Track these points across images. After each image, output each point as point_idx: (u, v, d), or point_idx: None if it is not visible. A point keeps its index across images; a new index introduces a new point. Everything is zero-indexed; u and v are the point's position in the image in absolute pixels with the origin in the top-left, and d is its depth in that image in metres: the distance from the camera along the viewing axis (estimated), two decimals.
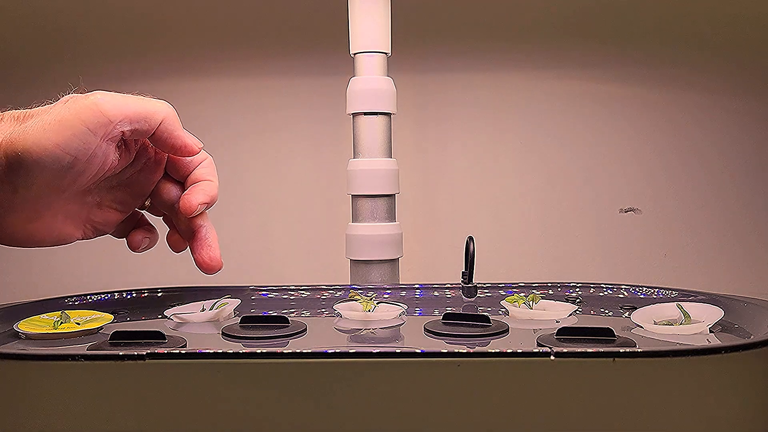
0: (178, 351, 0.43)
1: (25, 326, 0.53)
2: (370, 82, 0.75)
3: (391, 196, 0.76)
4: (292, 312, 0.63)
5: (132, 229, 0.58)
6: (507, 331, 0.52)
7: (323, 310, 0.64)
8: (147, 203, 0.58)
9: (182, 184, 0.56)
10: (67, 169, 0.47)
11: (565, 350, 0.39)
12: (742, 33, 0.91)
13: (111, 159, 0.50)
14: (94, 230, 0.55)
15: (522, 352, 0.39)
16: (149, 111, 0.50)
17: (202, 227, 0.54)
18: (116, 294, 0.67)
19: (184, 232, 0.56)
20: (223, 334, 0.52)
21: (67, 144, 0.46)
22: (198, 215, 0.54)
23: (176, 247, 0.57)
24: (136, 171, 0.55)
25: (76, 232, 0.54)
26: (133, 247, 0.57)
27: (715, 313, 0.53)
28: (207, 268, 0.54)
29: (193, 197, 0.53)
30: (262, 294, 0.68)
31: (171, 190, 0.56)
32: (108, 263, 0.94)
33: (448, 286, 0.69)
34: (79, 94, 0.49)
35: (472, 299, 0.66)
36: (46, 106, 0.49)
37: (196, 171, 0.55)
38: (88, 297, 0.65)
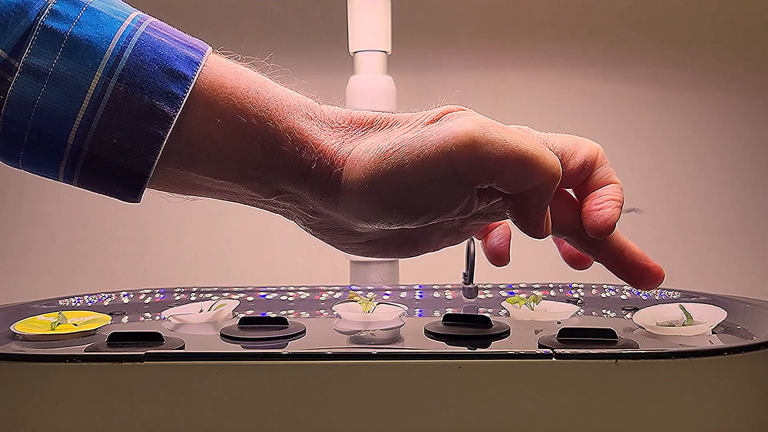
0: (176, 352, 0.43)
1: (22, 327, 0.53)
2: (370, 81, 0.75)
3: None
4: (291, 313, 0.62)
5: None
6: (508, 332, 0.51)
7: (322, 311, 0.63)
8: None
9: (565, 194, 0.43)
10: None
11: (566, 351, 0.39)
12: (742, 33, 0.91)
13: (474, 205, 0.38)
14: (445, 246, 0.46)
15: (523, 354, 0.39)
16: (536, 163, 0.35)
17: (624, 250, 0.42)
18: (114, 295, 0.66)
19: (596, 254, 0.43)
20: (221, 335, 0.52)
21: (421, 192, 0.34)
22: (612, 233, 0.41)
23: (581, 266, 0.46)
24: None
25: (427, 250, 0.45)
26: (500, 262, 0.46)
27: (718, 315, 0.52)
28: (654, 287, 0.43)
29: (607, 211, 0.40)
30: (261, 295, 0.68)
31: (562, 207, 0.42)
32: (107, 263, 0.93)
33: (449, 287, 0.68)
34: (457, 111, 0.36)
35: (473, 300, 0.66)
36: (394, 114, 0.38)
37: (594, 174, 0.42)
38: (86, 298, 0.65)
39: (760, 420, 0.42)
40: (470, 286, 0.66)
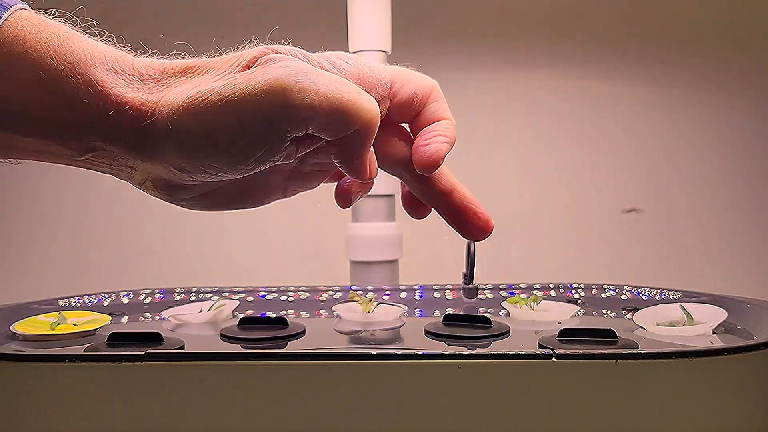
0: (176, 352, 0.43)
1: (22, 327, 0.53)
2: None
3: (391, 196, 0.76)
4: (291, 313, 0.62)
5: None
6: (508, 332, 0.51)
7: (322, 311, 0.63)
8: None
9: (401, 129, 0.42)
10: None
11: (567, 352, 0.39)
12: (742, 33, 0.91)
13: (295, 151, 0.37)
14: (295, 192, 0.45)
15: (524, 354, 0.39)
16: (351, 110, 0.34)
17: (453, 191, 0.41)
18: (114, 295, 0.66)
19: (426, 196, 0.42)
20: (221, 335, 0.52)
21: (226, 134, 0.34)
22: (440, 174, 0.40)
23: (418, 213, 0.44)
24: None
25: (272, 198, 0.44)
26: (343, 202, 0.45)
27: (719, 315, 0.52)
28: (480, 236, 0.42)
29: (433, 146, 0.39)
30: (261, 295, 0.68)
31: (392, 140, 0.41)
32: (107, 263, 0.93)
33: (449, 287, 0.68)
34: (271, 55, 0.35)
35: (473, 300, 0.66)
36: (209, 59, 0.37)
37: (426, 110, 0.41)
38: (86, 298, 0.65)
39: (760, 420, 0.42)
40: (470, 286, 0.66)
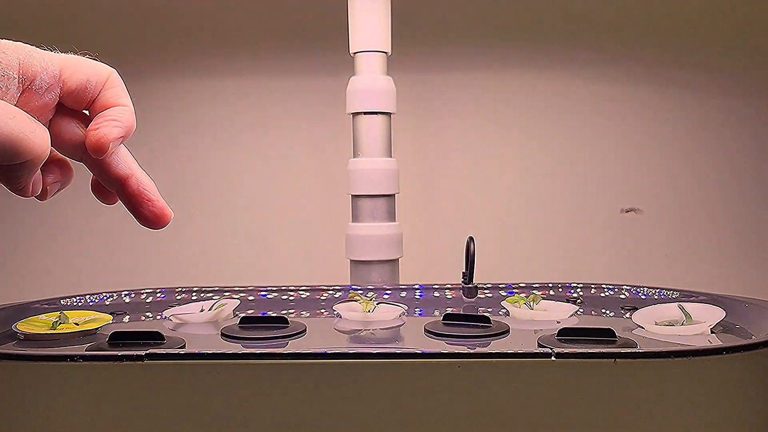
0: (177, 352, 0.43)
1: (24, 327, 0.53)
2: (370, 82, 0.75)
3: (391, 196, 0.76)
4: (292, 312, 0.62)
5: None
6: (508, 331, 0.52)
7: (323, 310, 0.64)
8: None
9: (84, 115, 0.42)
10: None
11: (566, 351, 0.39)
12: (742, 34, 0.91)
13: None
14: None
15: (523, 353, 0.39)
16: (21, 146, 0.36)
17: (129, 179, 0.42)
18: (115, 294, 0.66)
19: (106, 181, 0.43)
20: (222, 334, 0.52)
21: None
22: (116, 157, 0.42)
23: (105, 200, 0.45)
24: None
25: None
26: (40, 195, 0.44)
27: (717, 314, 0.52)
28: (154, 225, 0.42)
29: (103, 130, 0.40)
30: (262, 294, 0.68)
31: (71, 127, 0.42)
32: (108, 263, 0.93)
33: (449, 286, 0.68)
34: None
35: (473, 300, 0.66)
36: None
37: (102, 95, 0.42)
38: (87, 297, 0.65)
39: (758, 419, 0.42)
40: (470, 285, 0.66)
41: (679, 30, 0.91)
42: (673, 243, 0.93)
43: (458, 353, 0.40)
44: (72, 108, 0.41)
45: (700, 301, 0.58)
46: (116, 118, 0.40)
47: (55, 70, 0.40)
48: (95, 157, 0.40)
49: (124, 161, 0.42)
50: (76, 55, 0.42)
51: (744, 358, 0.41)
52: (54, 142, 0.41)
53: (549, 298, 0.64)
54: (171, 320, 0.58)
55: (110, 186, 0.42)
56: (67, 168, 0.43)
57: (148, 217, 0.42)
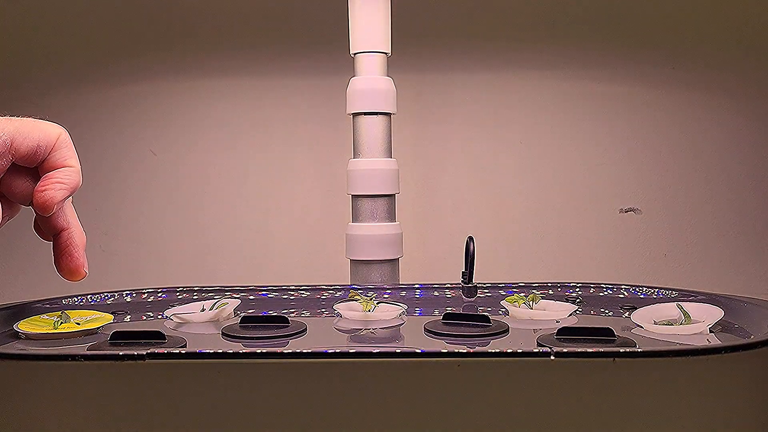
0: (178, 351, 0.43)
1: (26, 326, 0.53)
2: (370, 82, 0.75)
3: (391, 196, 0.76)
4: (292, 312, 0.63)
5: None
6: (507, 331, 0.52)
7: (323, 310, 0.64)
8: None
9: (35, 172, 0.47)
10: None
11: (565, 350, 0.39)
12: (742, 33, 0.91)
13: None
14: None
15: (522, 352, 0.39)
16: None
17: (63, 232, 0.47)
18: (116, 294, 0.67)
19: (44, 227, 0.48)
20: (223, 334, 0.52)
21: None
22: (59, 211, 0.46)
23: (43, 237, 0.49)
24: None
25: None
26: None
27: (716, 313, 0.53)
28: (68, 277, 0.48)
29: (49, 192, 0.44)
30: (262, 294, 0.68)
31: (22, 182, 0.46)
32: (108, 263, 0.94)
33: (448, 286, 0.69)
34: None
35: (472, 299, 0.66)
36: None
37: (51, 156, 0.46)
38: (89, 297, 0.65)
39: (757, 418, 0.42)
40: (470, 285, 0.66)
41: (679, 29, 0.91)
42: (672, 242, 0.93)
43: (458, 352, 0.40)
44: (24, 165, 0.46)
45: (699, 301, 0.58)
46: (62, 181, 0.45)
47: (7, 140, 0.45)
48: (41, 214, 0.45)
49: (64, 215, 0.47)
50: (28, 120, 0.46)
51: (743, 357, 0.41)
52: (6, 192, 0.46)
53: (548, 297, 0.64)
54: (172, 320, 0.58)
55: (47, 231, 0.48)
56: (16, 208, 0.49)
57: (64, 268, 0.47)
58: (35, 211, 0.46)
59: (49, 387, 0.41)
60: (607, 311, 0.62)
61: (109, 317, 0.57)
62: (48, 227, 0.47)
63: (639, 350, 0.41)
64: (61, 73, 0.92)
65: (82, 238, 0.48)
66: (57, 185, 0.45)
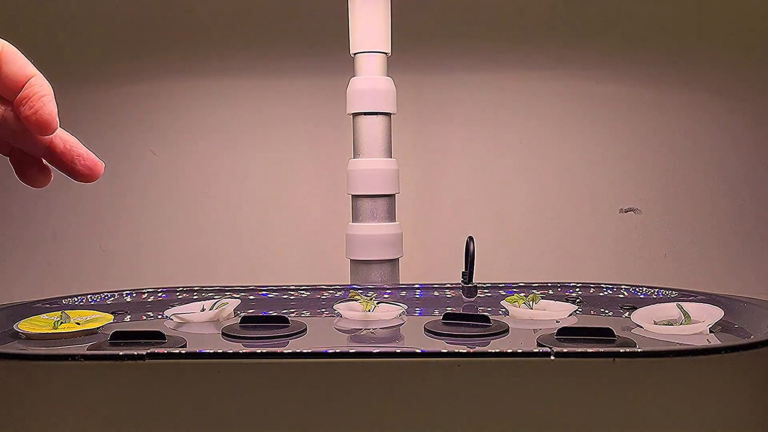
0: (178, 351, 0.43)
1: (26, 326, 0.53)
2: (370, 82, 0.75)
3: (391, 196, 0.76)
4: (292, 312, 0.63)
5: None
6: (507, 331, 0.52)
7: (323, 310, 0.64)
8: None
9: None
10: None
11: (565, 350, 0.39)
12: (741, 34, 0.91)
13: None
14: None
15: (522, 352, 0.39)
16: None
17: (54, 138, 0.42)
18: (116, 294, 0.67)
19: (34, 150, 0.42)
20: (223, 334, 0.52)
21: None
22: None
23: (35, 181, 0.44)
24: None
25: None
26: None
27: (716, 313, 0.53)
28: (91, 179, 0.42)
29: (43, 110, 0.39)
30: (262, 294, 0.68)
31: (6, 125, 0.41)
32: (109, 262, 0.94)
33: (448, 286, 0.69)
34: None
35: (472, 299, 0.66)
36: None
37: (3, 71, 0.40)
38: (89, 297, 0.65)
39: (757, 418, 0.42)
40: (470, 285, 0.66)
41: (679, 29, 0.91)
42: (672, 242, 0.93)
43: (458, 352, 0.40)
44: None
45: (699, 301, 0.58)
46: (39, 92, 0.39)
47: None
48: (45, 135, 0.40)
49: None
50: None
51: (742, 357, 0.41)
52: (7, 137, 0.40)
53: (548, 297, 0.64)
54: (172, 320, 0.58)
55: (38, 153, 0.42)
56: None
57: (83, 172, 0.42)
58: (12, 134, 0.40)
59: (49, 387, 0.41)
60: (607, 311, 0.62)
61: (109, 317, 0.57)
62: (36, 146, 0.41)
63: (639, 350, 0.41)
64: (61, 73, 0.92)
65: (73, 137, 0.42)
66: (41, 98, 0.39)
